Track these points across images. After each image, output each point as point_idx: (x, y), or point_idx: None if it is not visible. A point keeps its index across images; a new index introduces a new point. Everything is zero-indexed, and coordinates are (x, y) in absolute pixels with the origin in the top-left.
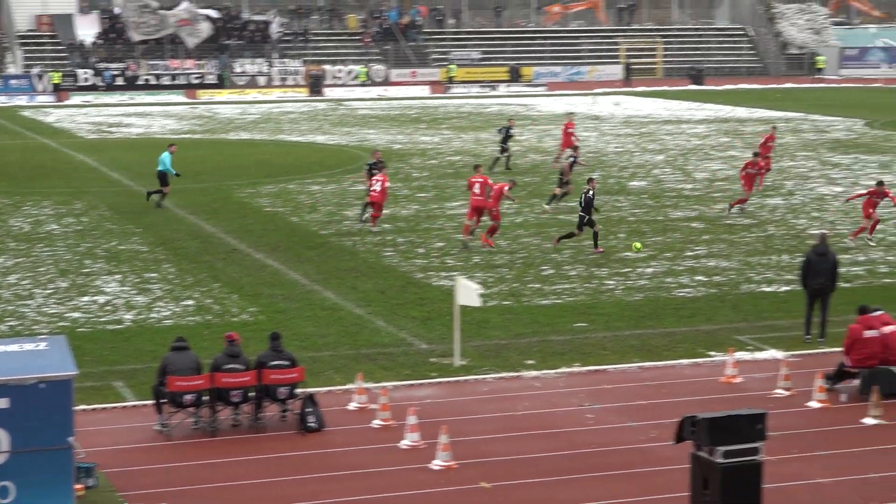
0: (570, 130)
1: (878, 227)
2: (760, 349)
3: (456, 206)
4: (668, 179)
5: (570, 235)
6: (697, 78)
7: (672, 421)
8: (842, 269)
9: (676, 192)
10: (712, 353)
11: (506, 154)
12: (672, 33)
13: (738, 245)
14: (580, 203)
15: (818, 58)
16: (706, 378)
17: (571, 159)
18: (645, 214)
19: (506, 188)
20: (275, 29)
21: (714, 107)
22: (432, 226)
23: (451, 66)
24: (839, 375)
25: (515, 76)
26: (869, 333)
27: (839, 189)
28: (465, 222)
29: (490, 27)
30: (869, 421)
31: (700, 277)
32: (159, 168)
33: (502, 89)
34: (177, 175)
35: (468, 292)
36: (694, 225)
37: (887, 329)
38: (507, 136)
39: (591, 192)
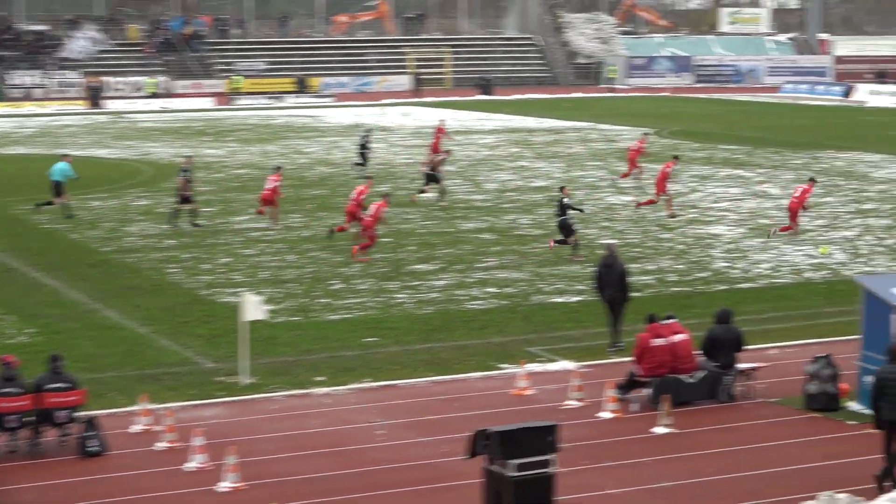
0: (439, 136)
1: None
2: (552, 360)
3: (242, 221)
4: (459, 191)
5: (563, 242)
6: (486, 88)
7: (464, 435)
8: (632, 278)
9: (467, 204)
10: (504, 365)
11: (361, 162)
12: (460, 43)
13: (529, 256)
14: (556, 213)
15: (610, 67)
16: (498, 391)
17: (440, 157)
18: (435, 226)
19: (383, 208)
20: (80, 46)
21: (503, 117)
22: (218, 241)
23: (236, 77)
24: (630, 385)
25: (302, 87)
26: (657, 342)
27: (628, 198)
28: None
29: (276, 37)
30: (659, 430)
31: (491, 289)
32: (55, 178)
33: (289, 100)
34: (76, 178)
35: (253, 307)
36: (485, 236)
37: (676, 338)
38: (364, 145)
39: (566, 199)
